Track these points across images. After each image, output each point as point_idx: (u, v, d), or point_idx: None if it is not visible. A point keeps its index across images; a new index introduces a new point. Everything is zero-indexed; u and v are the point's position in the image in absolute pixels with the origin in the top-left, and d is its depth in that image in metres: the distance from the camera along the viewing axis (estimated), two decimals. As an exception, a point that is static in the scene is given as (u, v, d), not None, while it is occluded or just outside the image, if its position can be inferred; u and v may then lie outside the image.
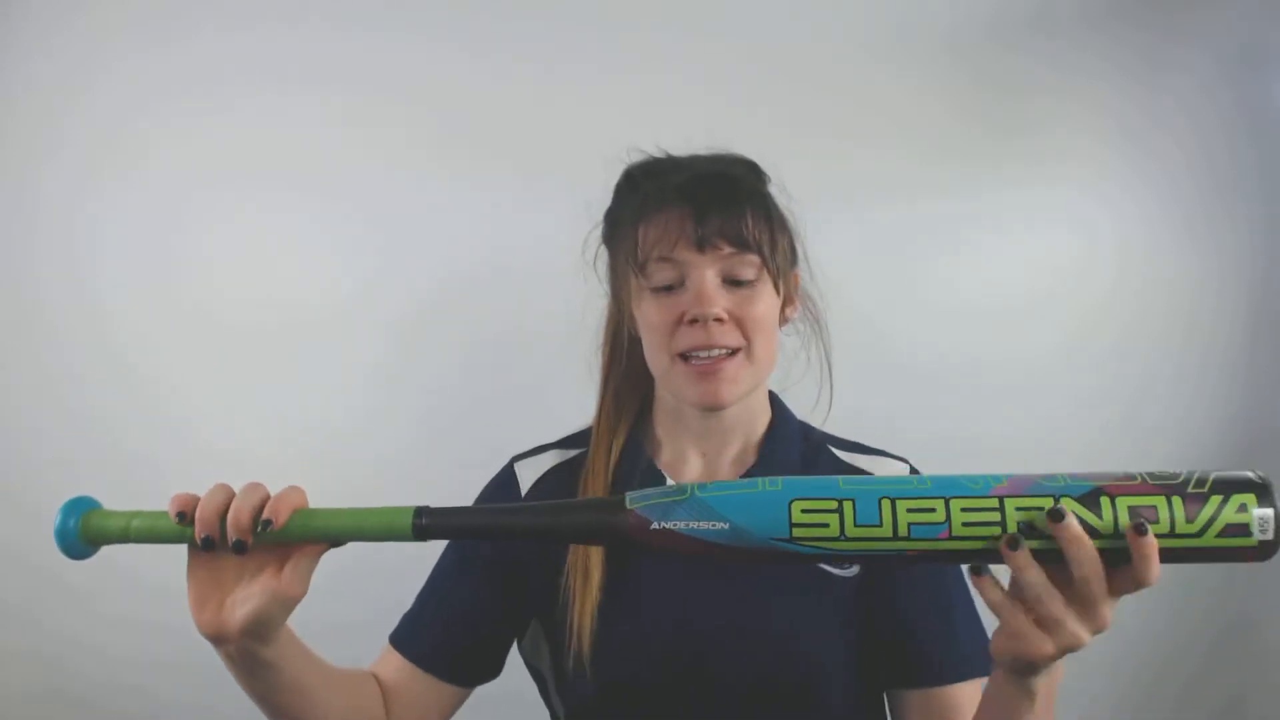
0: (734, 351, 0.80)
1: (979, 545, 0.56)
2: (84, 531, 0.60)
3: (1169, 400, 1.64)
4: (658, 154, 0.88)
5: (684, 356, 0.80)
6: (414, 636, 0.85)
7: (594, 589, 0.80)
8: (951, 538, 0.56)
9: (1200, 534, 0.54)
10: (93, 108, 1.46)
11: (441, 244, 1.51)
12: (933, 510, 0.56)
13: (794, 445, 0.88)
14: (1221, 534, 0.54)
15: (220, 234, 1.49)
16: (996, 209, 1.61)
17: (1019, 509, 0.56)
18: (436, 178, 1.50)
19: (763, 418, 0.89)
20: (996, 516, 0.56)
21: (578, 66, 1.52)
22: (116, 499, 0.62)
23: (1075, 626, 0.56)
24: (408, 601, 0.88)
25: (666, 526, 0.58)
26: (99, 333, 1.46)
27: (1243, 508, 0.54)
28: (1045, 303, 1.61)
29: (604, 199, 0.91)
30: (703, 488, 0.59)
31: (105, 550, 0.61)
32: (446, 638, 0.85)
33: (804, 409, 0.93)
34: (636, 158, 0.89)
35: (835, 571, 0.81)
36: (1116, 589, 0.56)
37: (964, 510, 0.56)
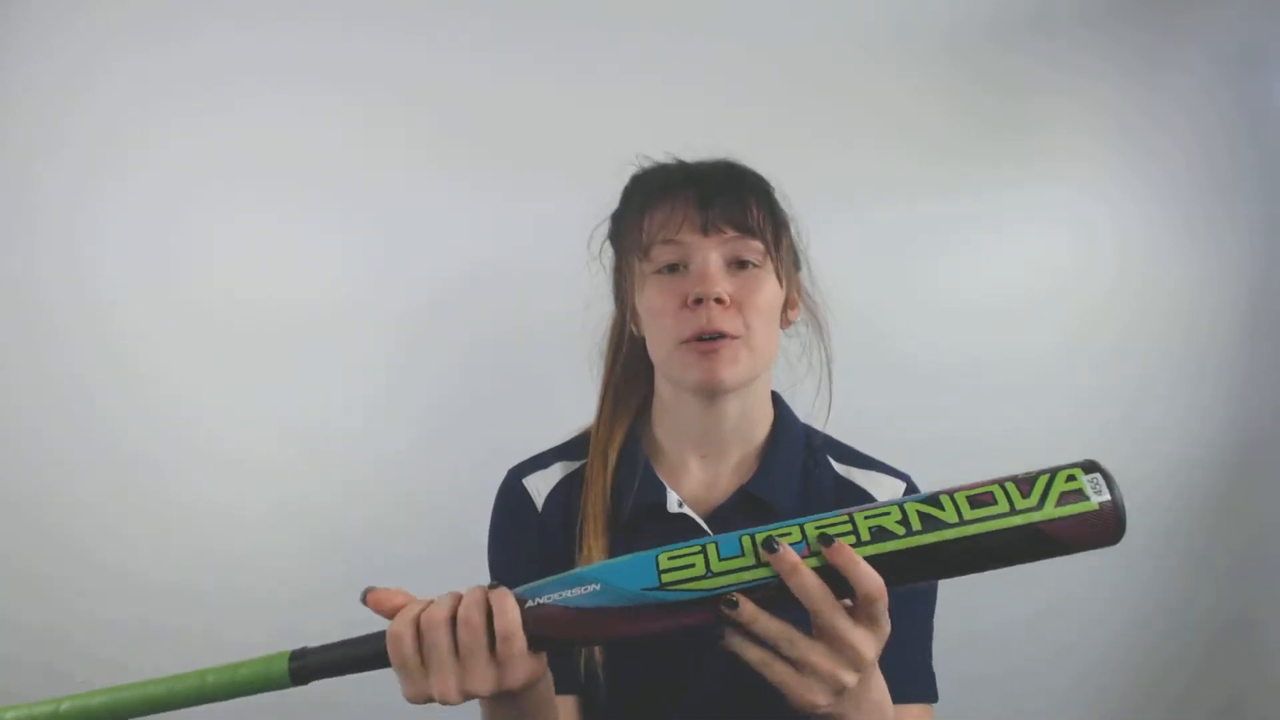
0: (733, 339, 0.80)
1: None
2: None
3: (1169, 400, 1.64)
4: (665, 159, 0.90)
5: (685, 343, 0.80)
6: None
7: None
8: (811, 554, 0.59)
9: (1040, 506, 0.57)
10: (93, 108, 1.46)
11: (442, 244, 1.50)
12: (789, 534, 0.60)
13: (795, 453, 0.88)
14: (1060, 503, 0.57)
15: (220, 233, 1.48)
16: (996, 209, 1.61)
17: (867, 518, 0.60)
18: (437, 178, 1.50)
19: (764, 422, 0.89)
20: (849, 528, 0.59)
21: (578, 66, 1.52)
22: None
23: (830, 665, 0.57)
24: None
25: (541, 601, 0.60)
26: (99, 333, 1.46)
27: (1071, 478, 0.58)
28: (1045, 303, 1.61)
29: (604, 198, 0.91)
30: (584, 568, 0.61)
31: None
32: (568, 658, 0.83)
33: (804, 410, 0.93)
34: (644, 163, 0.91)
35: None
36: (858, 614, 0.58)
37: (818, 528, 0.60)
